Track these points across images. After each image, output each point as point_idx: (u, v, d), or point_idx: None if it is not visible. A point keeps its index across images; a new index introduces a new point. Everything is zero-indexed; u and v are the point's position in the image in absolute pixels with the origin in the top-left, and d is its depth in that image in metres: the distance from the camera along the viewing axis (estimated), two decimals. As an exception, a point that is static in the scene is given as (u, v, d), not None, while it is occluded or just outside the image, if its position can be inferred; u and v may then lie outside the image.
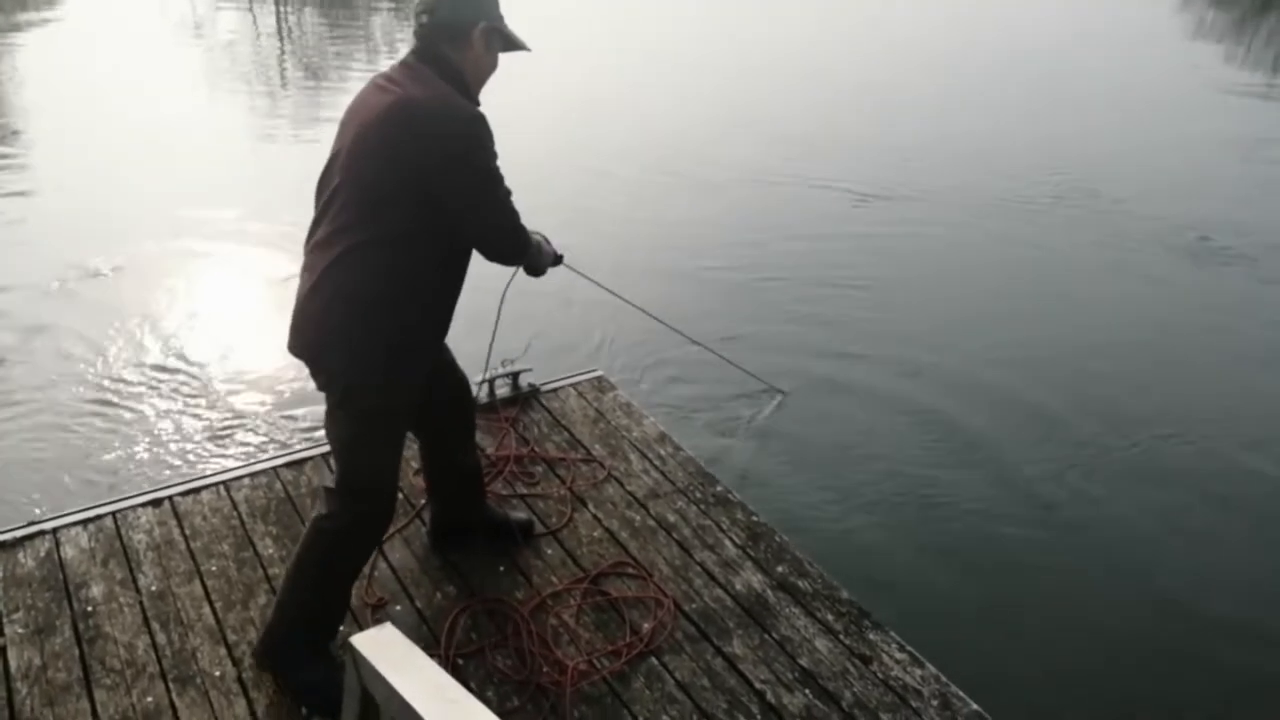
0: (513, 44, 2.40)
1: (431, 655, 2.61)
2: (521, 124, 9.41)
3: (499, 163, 2.28)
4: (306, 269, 2.33)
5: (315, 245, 2.31)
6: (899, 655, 2.70)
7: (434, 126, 2.17)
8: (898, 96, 11.06)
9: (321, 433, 2.66)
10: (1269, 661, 3.41)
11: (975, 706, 2.54)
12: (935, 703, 2.55)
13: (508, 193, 2.34)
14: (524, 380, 3.89)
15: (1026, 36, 14.00)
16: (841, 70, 12.52)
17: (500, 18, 2.35)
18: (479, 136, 2.21)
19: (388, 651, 1.34)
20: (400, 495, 3.26)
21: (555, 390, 3.95)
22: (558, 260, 2.81)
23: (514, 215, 2.39)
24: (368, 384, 2.33)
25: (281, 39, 13.53)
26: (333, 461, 2.46)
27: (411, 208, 2.21)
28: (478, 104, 2.35)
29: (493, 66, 2.39)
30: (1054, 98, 10.78)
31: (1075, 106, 10.36)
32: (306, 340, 2.34)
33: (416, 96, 2.19)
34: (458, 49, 2.29)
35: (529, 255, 2.57)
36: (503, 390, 3.85)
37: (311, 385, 2.43)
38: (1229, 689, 3.31)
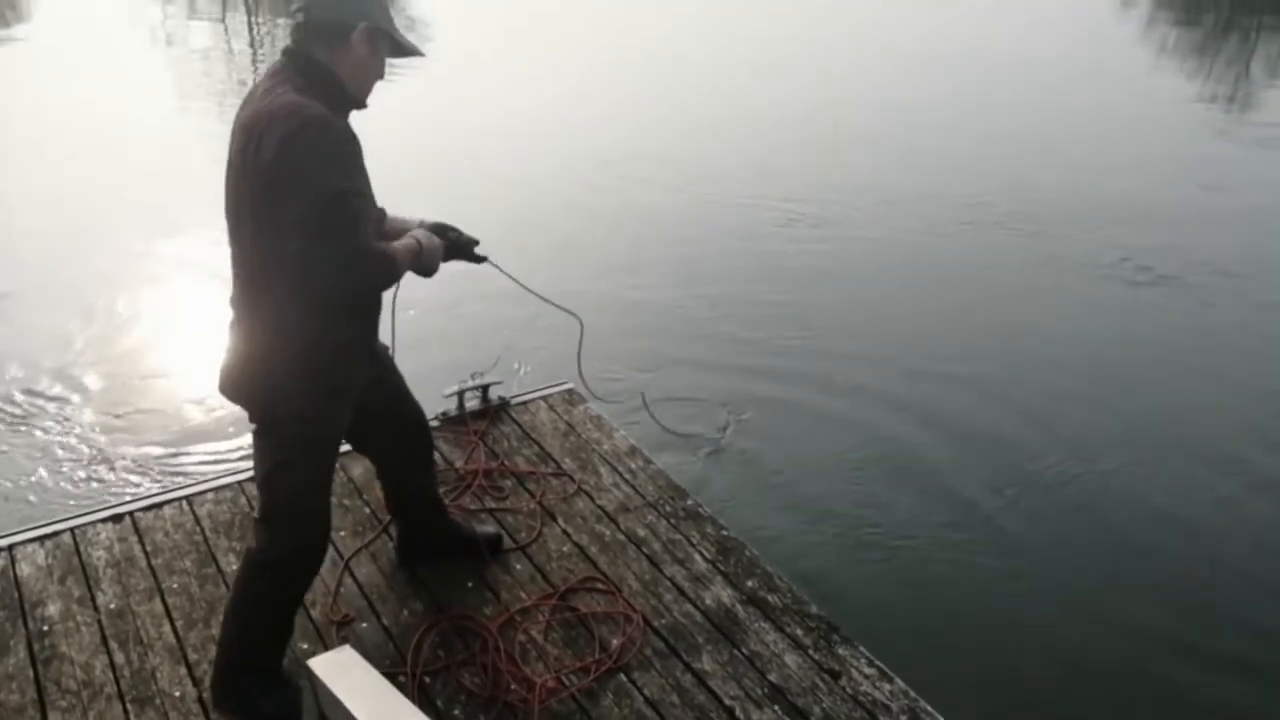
0: (402, 49, 2.29)
1: (398, 673, 2.59)
2: (489, 128, 9.47)
3: (343, 180, 2.05)
4: (229, 301, 2.29)
5: (232, 275, 2.25)
6: (868, 670, 2.69)
7: (271, 136, 2.01)
8: (849, 108, 11.06)
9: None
10: (1227, 680, 3.43)
11: (944, 721, 2.54)
12: (904, 717, 2.54)
13: (352, 217, 2.05)
14: (494, 393, 3.87)
15: (988, 54, 14.11)
16: (816, 73, 12.57)
17: (389, 19, 2.24)
18: (315, 139, 2.02)
19: (345, 675, 1.32)
20: (368, 510, 3.23)
21: (525, 403, 3.92)
22: (471, 255, 2.59)
23: (349, 242, 2.06)
24: (290, 413, 2.26)
25: (255, 51, 13.41)
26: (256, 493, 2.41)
27: (271, 230, 2.06)
28: (362, 107, 2.25)
29: (378, 71, 2.26)
30: (1006, 116, 10.82)
31: (1026, 125, 10.43)
32: (230, 378, 2.30)
33: (264, 109, 2.07)
34: (334, 51, 2.15)
35: (392, 276, 2.24)
36: (472, 403, 3.82)
37: None
38: (1188, 708, 3.33)
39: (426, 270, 2.38)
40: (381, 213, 2.63)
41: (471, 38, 13.84)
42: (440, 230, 2.52)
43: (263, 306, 2.20)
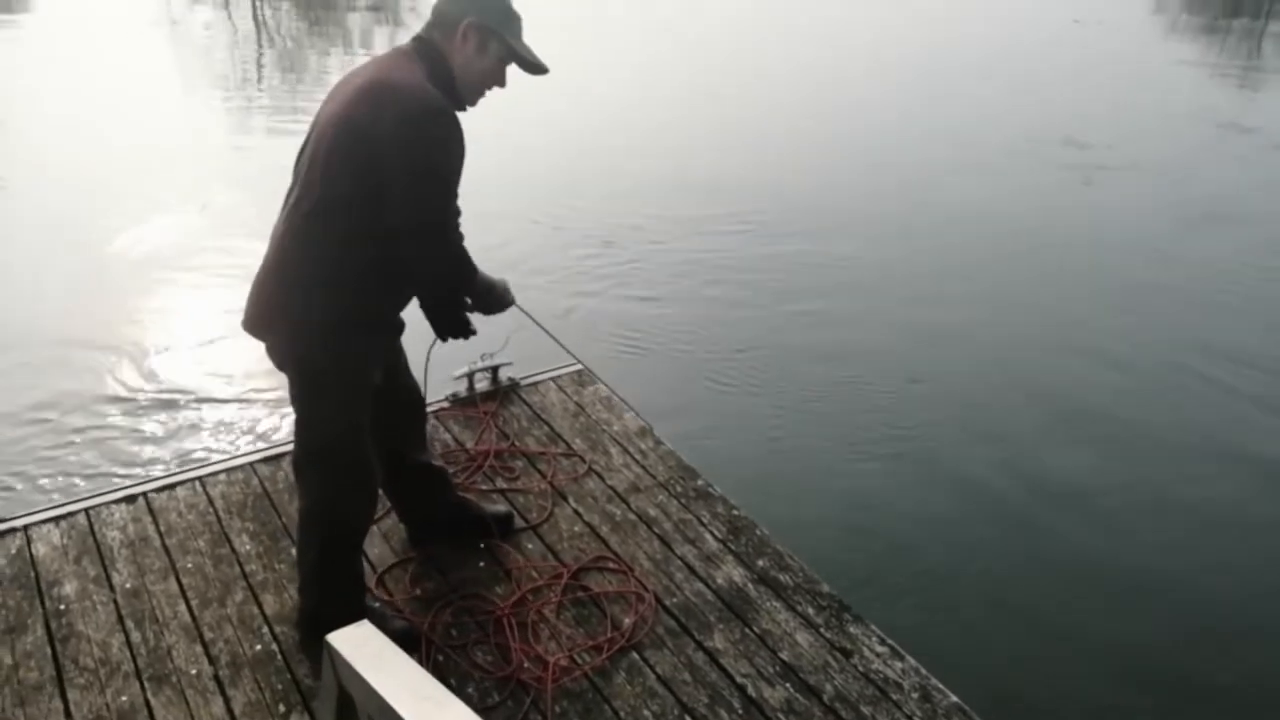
0: (518, 57, 2.28)
1: (411, 652, 2.61)
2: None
3: (456, 177, 2.19)
4: (275, 231, 2.32)
5: (279, 220, 2.30)
6: (879, 648, 2.70)
7: (394, 106, 2.11)
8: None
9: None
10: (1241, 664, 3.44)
11: (955, 699, 2.55)
12: (915, 695, 2.55)
13: (456, 210, 2.23)
14: (504, 374, 3.87)
15: (994, 37, 14.01)
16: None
17: (507, 26, 2.26)
18: (435, 127, 2.12)
19: (364, 648, 1.32)
20: (381, 493, 3.23)
21: (535, 384, 3.92)
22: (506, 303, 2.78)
23: (449, 231, 2.24)
24: (311, 356, 2.31)
25: (259, 37, 13.36)
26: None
27: (356, 175, 2.16)
28: (465, 107, 2.29)
29: (489, 74, 2.29)
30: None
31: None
32: (255, 313, 2.33)
33: (385, 78, 2.18)
34: (448, 41, 2.25)
35: (474, 288, 2.44)
36: (482, 384, 3.82)
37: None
38: (1194, 684, 3.33)
39: (489, 304, 2.54)
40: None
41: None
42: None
43: (314, 242, 2.22)
